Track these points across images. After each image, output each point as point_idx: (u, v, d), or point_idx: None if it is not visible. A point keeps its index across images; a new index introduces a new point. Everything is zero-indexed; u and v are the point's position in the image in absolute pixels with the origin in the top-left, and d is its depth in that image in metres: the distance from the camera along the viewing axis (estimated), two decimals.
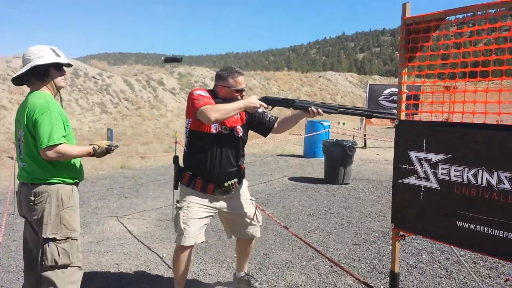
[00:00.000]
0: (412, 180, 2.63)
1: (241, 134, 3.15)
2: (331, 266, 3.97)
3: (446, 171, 2.45)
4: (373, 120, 14.45)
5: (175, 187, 3.21)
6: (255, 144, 13.34)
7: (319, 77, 34.33)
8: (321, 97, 29.15)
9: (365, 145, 14.08)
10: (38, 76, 2.62)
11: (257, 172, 9.15)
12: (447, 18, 2.47)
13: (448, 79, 2.74)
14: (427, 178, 2.54)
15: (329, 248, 4.50)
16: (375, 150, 13.20)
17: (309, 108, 3.02)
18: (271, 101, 3.10)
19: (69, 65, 2.76)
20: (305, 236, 4.86)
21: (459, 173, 2.39)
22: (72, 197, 2.68)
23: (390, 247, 4.48)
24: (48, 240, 2.53)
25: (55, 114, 2.53)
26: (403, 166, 2.68)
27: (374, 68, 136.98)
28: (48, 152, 2.47)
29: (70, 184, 2.68)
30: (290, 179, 8.40)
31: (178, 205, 3.08)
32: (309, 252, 4.34)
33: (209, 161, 3.01)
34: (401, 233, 2.73)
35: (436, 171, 2.49)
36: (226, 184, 3.09)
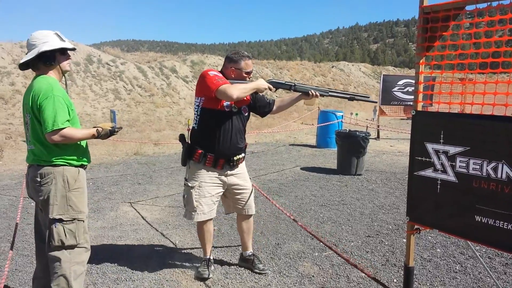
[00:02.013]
0: (428, 172, 2.59)
1: (246, 114, 3.43)
2: None
3: (464, 164, 2.41)
4: (386, 111, 14.32)
5: (184, 164, 3.38)
6: (267, 133, 13.34)
7: (332, 67, 34.04)
8: (334, 87, 28.91)
9: (378, 136, 13.95)
10: (44, 61, 2.64)
11: (269, 161, 9.14)
12: (467, 7, 2.41)
13: (468, 69, 2.68)
14: (444, 171, 2.50)
15: (341, 239, 4.48)
16: (389, 142, 13.08)
17: (309, 91, 3.35)
18: (276, 84, 3.37)
19: (73, 49, 2.81)
20: (317, 227, 4.86)
21: (478, 166, 2.34)
22: (78, 180, 2.70)
23: (404, 240, 4.47)
24: (55, 220, 2.57)
25: (59, 99, 2.56)
26: (419, 158, 2.64)
27: (387, 59, 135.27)
28: (53, 136, 2.52)
29: (75, 166, 2.71)
30: (302, 169, 8.37)
31: (189, 184, 3.31)
32: (321, 243, 4.33)
33: (221, 137, 3.24)
34: (416, 226, 2.70)
35: (453, 163, 2.45)
36: (235, 158, 3.34)
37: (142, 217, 5.20)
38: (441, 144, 2.52)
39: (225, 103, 3.20)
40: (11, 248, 3.05)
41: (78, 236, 2.63)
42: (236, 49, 3.49)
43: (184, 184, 3.37)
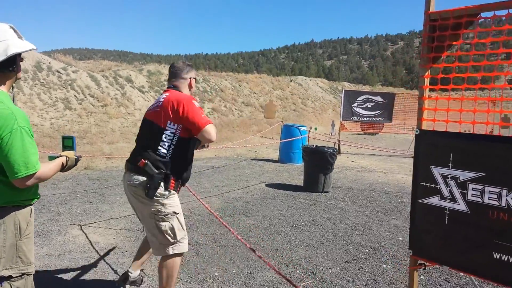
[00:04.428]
0: (434, 200, 2.28)
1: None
2: None
3: (478, 192, 2.11)
4: (346, 126, 14.30)
5: (152, 196, 2.83)
6: (227, 148, 12.93)
7: (290, 81, 34.21)
8: (292, 101, 28.99)
9: (339, 151, 13.85)
10: (6, 67, 2.02)
11: (232, 177, 8.71)
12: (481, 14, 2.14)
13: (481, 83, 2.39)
14: (453, 199, 2.20)
15: (318, 266, 4.12)
16: (350, 157, 12.98)
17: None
18: None
19: (35, 49, 2.18)
20: (290, 252, 4.48)
21: (495, 196, 2.05)
22: (30, 222, 2.16)
23: (384, 266, 4.17)
24: (2, 279, 2.02)
25: (26, 131, 1.98)
26: (424, 184, 2.32)
27: (341, 75, 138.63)
28: (27, 182, 1.99)
29: (28, 205, 2.16)
30: (267, 185, 8.00)
31: (174, 211, 2.94)
32: (298, 271, 3.95)
33: (189, 163, 3.10)
34: (421, 261, 2.37)
35: (465, 191, 2.15)
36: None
37: (94, 242, 4.61)
38: (449, 169, 2.21)
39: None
40: None
41: None
42: (181, 60, 3.26)
43: (162, 216, 2.89)
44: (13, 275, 2.04)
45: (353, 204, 6.74)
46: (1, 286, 2.03)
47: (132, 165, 2.93)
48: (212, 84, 24.30)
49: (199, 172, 9.19)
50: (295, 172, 9.53)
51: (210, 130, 2.85)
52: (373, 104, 13.63)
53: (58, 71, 17.81)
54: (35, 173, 2.00)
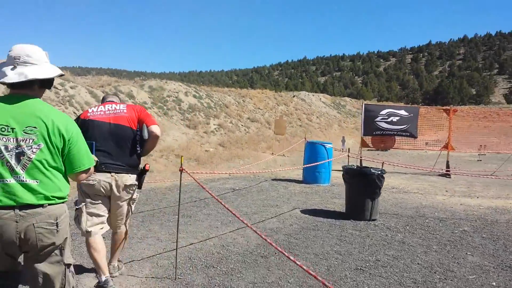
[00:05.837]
0: None
1: None
2: None
3: None
4: (369, 142, 13.36)
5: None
6: (241, 166, 11.92)
7: (293, 96, 33.34)
8: (297, 117, 28.09)
9: None
10: (48, 84, 2.33)
11: (258, 202, 7.66)
12: None
13: None
14: None
15: None
16: None
17: None
18: None
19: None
20: None
21: None
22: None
23: None
24: (69, 265, 2.32)
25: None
26: None
27: (336, 91, 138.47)
28: (85, 174, 2.35)
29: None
30: (303, 211, 6.95)
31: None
32: None
33: None
34: None
35: None
36: None
37: None
38: None
39: None
40: None
41: None
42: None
43: (134, 199, 3.80)
44: (72, 263, 2.33)
45: (412, 235, 5.70)
46: (69, 272, 2.30)
47: (124, 166, 3.50)
48: (216, 100, 23.32)
49: (220, 196, 8.11)
50: (326, 195, 8.50)
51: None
52: (398, 118, 12.69)
53: (55, 87, 16.77)
54: (91, 167, 2.36)
